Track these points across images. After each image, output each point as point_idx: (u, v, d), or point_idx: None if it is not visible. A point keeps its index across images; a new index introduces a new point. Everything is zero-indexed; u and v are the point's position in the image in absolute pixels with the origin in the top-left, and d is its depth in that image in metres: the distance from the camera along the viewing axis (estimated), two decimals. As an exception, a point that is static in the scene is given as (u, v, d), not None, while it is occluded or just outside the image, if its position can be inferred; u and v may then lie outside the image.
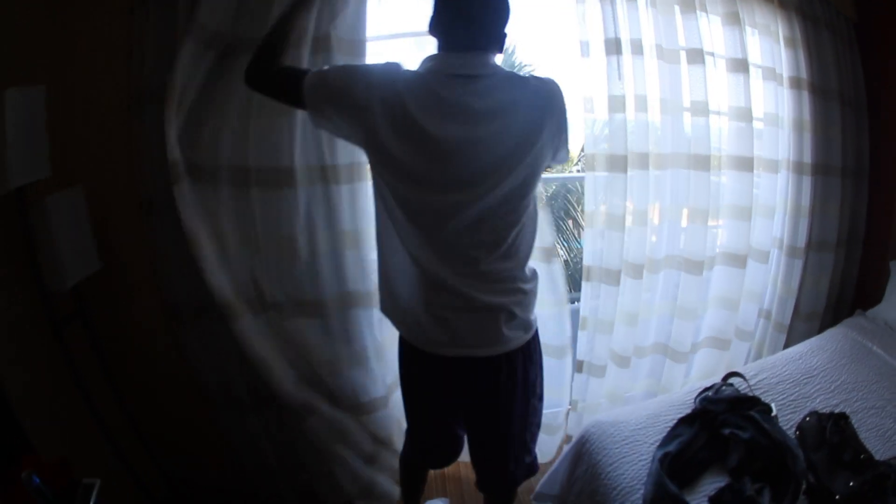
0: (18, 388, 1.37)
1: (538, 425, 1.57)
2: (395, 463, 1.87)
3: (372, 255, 1.79)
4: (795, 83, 2.17)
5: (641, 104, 2.00)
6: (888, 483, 1.35)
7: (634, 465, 1.52)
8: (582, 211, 4.99)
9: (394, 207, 1.27)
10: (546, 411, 1.69)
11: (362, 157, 1.64)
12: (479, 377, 1.40)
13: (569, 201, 6.06)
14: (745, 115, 2.11)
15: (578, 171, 5.51)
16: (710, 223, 2.17)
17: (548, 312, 2.05)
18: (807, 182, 2.25)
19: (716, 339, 2.34)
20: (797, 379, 1.84)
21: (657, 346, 2.29)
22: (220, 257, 1.68)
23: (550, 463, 1.88)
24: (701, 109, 2.06)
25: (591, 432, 1.70)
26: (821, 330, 2.28)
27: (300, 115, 1.63)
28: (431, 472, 1.86)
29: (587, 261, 2.14)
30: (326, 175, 1.73)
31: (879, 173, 2.36)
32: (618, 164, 2.00)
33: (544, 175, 1.36)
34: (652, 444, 1.58)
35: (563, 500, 1.75)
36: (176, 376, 1.85)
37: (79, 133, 1.62)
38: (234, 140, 1.65)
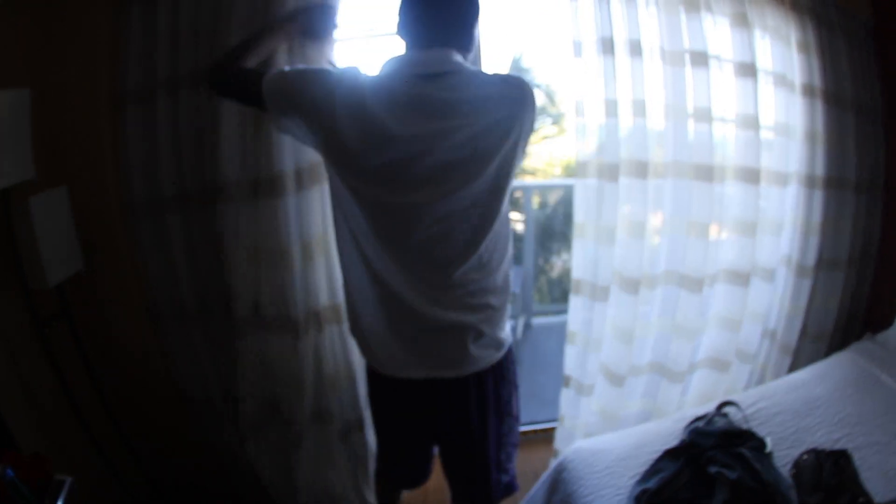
0: (1, 385, 1.46)
1: (515, 445, 1.55)
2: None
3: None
4: (808, 91, 2.07)
5: (640, 109, 1.91)
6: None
7: (611, 499, 1.47)
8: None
9: (355, 216, 1.25)
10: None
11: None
12: (448, 399, 1.38)
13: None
14: (753, 123, 2.01)
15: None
16: (712, 238, 2.08)
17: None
18: (818, 196, 2.15)
19: (715, 360, 2.25)
20: (798, 410, 1.76)
21: (653, 364, 2.21)
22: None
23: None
24: (704, 116, 1.97)
25: (570, 459, 1.66)
26: (828, 352, 2.20)
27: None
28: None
29: (576, 274, 2.07)
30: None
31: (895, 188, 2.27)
32: (610, 172, 1.92)
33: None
34: (632, 476, 1.52)
35: (539, 527, 1.70)
36: (157, 377, 1.89)
37: (64, 135, 1.67)
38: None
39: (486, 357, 1.35)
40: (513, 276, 1.42)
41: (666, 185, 2.03)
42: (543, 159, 5.35)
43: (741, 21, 1.95)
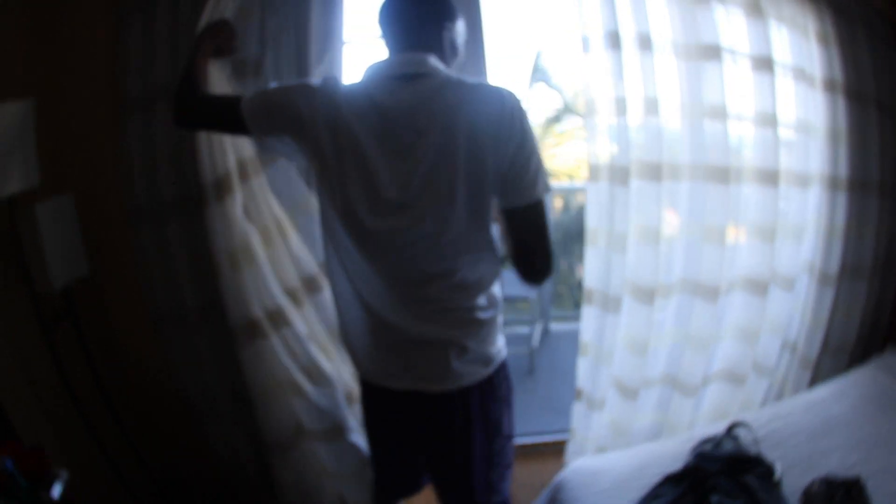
0: (5, 380, 1.54)
1: (508, 465, 1.51)
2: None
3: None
4: (830, 85, 1.98)
5: (652, 107, 1.85)
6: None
7: (608, 524, 1.42)
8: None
9: (337, 229, 1.26)
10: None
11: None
12: (431, 413, 1.37)
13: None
14: (771, 120, 1.94)
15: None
16: (728, 243, 2.01)
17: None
18: (842, 199, 2.06)
19: (731, 374, 2.18)
20: (813, 431, 1.70)
21: (666, 377, 2.15)
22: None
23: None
24: (719, 113, 1.89)
25: (568, 479, 1.63)
26: (849, 365, 2.13)
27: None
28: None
29: (588, 283, 2.01)
30: None
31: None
32: (622, 174, 1.86)
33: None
34: (631, 501, 1.47)
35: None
36: (159, 378, 1.92)
37: (67, 142, 1.75)
38: None
39: (471, 373, 1.33)
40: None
41: (680, 188, 1.97)
42: (570, 161, 5.31)
43: (755, 11, 1.87)
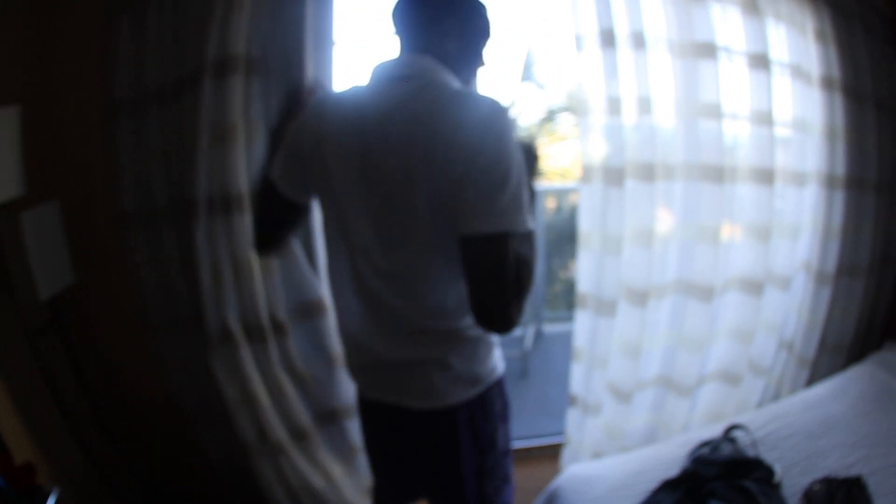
0: None
1: (505, 478, 1.48)
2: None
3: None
4: (827, 83, 2.00)
5: (645, 106, 1.86)
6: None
7: (602, 534, 1.44)
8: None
9: (333, 242, 1.30)
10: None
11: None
12: (417, 429, 1.35)
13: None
14: (767, 119, 1.96)
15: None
16: (723, 243, 2.02)
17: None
18: (839, 198, 2.09)
19: (725, 374, 2.20)
20: (812, 431, 1.72)
21: (661, 378, 2.17)
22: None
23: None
24: (713, 112, 1.91)
25: (562, 487, 1.63)
26: (847, 364, 2.16)
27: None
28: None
29: (582, 287, 2.01)
30: None
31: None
32: (616, 175, 1.87)
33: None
34: (627, 508, 1.48)
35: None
36: (150, 388, 1.92)
37: (54, 147, 1.72)
38: None
39: (457, 392, 1.29)
40: None
41: (674, 188, 1.98)
42: (565, 161, 5.30)
43: (752, 8, 1.89)
